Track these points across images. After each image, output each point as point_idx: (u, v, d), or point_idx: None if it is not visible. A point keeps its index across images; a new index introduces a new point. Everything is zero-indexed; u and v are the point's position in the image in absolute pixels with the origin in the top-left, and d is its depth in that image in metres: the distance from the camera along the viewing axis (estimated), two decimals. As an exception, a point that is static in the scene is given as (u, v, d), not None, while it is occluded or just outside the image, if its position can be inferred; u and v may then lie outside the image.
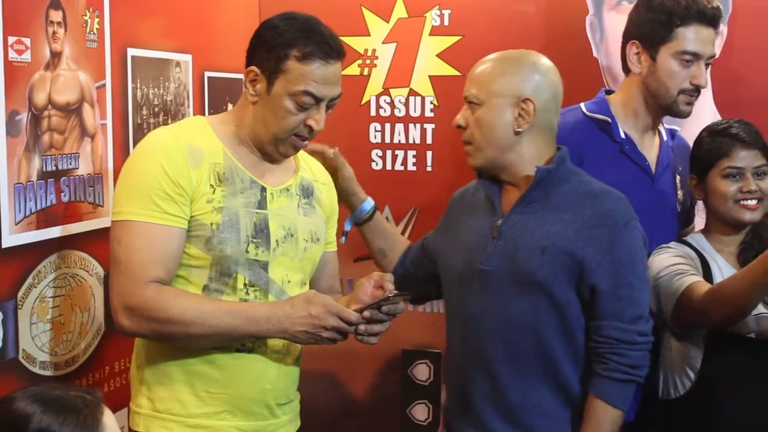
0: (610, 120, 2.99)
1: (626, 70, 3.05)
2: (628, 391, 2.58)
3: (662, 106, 2.98)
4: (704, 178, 2.93)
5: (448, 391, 2.83)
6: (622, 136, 2.99)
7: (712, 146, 2.91)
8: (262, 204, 2.52)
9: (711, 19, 2.92)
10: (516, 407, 2.60)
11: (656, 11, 2.93)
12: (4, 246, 2.50)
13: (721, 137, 2.90)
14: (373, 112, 3.91)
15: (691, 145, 3.02)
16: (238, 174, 2.50)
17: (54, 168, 2.67)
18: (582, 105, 3.08)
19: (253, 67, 2.49)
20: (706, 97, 3.46)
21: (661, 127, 3.11)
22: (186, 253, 2.46)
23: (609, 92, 3.16)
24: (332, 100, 2.52)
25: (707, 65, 2.96)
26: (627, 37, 3.02)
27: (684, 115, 2.99)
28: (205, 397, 2.50)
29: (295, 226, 2.59)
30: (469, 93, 2.67)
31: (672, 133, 3.14)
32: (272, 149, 2.55)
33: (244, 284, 2.49)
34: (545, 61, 2.70)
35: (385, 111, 3.90)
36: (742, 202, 2.86)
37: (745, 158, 2.87)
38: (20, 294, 2.57)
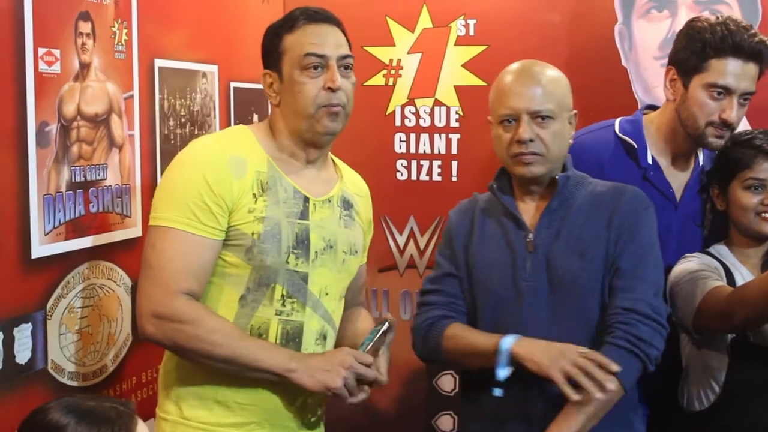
0: (636, 145, 2.97)
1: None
2: (630, 364, 2.49)
3: (691, 136, 2.93)
4: (726, 188, 2.91)
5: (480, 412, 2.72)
6: (649, 161, 2.96)
7: (735, 156, 2.89)
8: (304, 214, 2.53)
9: (749, 53, 2.82)
10: None
11: (693, 39, 2.87)
12: (33, 257, 2.51)
13: (744, 148, 2.88)
14: (398, 122, 3.91)
15: None
16: (282, 184, 2.52)
17: (83, 179, 2.67)
18: (617, 123, 3.07)
19: (265, 71, 2.58)
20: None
21: (699, 152, 3.05)
22: (224, 260, 2.48)
23: (651, 106, 3.13)
24: (343, 59, 2.54)
25: (744, 101, 2.87)
26: (669, 61, 2.97)
27: (712, 148, 2.92)
28: (234, 407, 2.50)
29: (335, 238, 2.59)
30: (543, 108, 2.61)
31: (711, 156, 3.06)
32: (312, 134, 2.55)
33: (282, 295, 2.50)
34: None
35: (410, 121, 3.90)
36: (763, 214, 2.84)
37: (767, 170, 2.85)
38: (49, 305, 2.58)
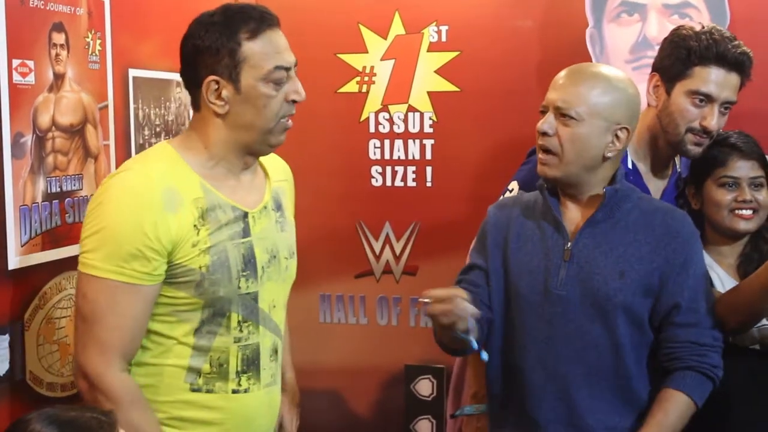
0: None
1: None
2: (706, 388, 2.60)
3: (671, 143, 2.93)
4: (701, 187, 2.93)
5: (503, 417, 2.71)
6: (629, 166, 2.98)
7: (710, 155, 2.91)
8: (246, 231, 2.41)
9: (732, 63, 2.84)
10: (592, 429, 2.58)
11: (678, 47, 2.88)
12: (10, 268, 2.50)
13: (720, 147, 2.90)
14: (372, 129, 3.91)
15: None
16: (221, 206, 2.37)
17: (59, 189, 2.66)
18: None
19: (211, 77, 2.31)
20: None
21: (677, 158, 3.06)
22: (173, 297, 2.34)
23: None
24: (295, 66, 2.40)
25: (725, 110, 2.89)
26: (652, 68, 2.99)
27: (690, 156, 2.93)
28: None
29: (276, 246, 2.50)
30: (568, 106, 2.56)
31: (688, 164, 3.06)
32: (262, 146, 2.42)
33: (238, 322, 2.41)
34: (634, 85, 2.66)
35: (384, 127, 3.90)
36: (736, 211, 2.85)
37: (741, 168, 2.86)
38: (27, 315, 2.57)
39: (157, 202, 2.27)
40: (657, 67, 2.95)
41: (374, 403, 4.03)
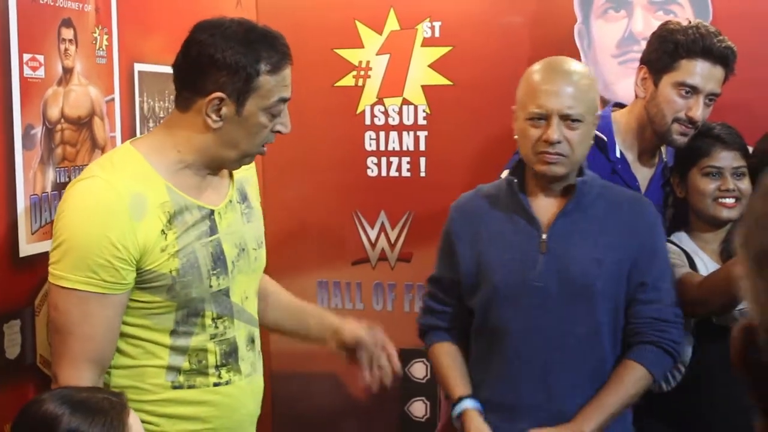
0: (606, 139, 3.02)
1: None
2: (665, 362, 2.66)
3: (657, 133, 2.98)
4: (686, 176, 2.97)
5: (483, 404, 2.71)
6: (617, 155, 3.02)
7: (695, 146, 2.95)
8: (213, 230, 2.38)
9: (718, 57, 2.90)
10: (570, 414, 2.60)
11: (666, 41, 2.93)
12: (21, 255, 2.53)
13: (704, 137, 2.94)
14: (368, 121, 3.94)
15: None
16: (188, 208, 2.33)
17: (67, 179, 2.69)
18: None
19: (218, 94, 2.24)
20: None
21: (663, 148, 3.12)
22: (146, 302, 2.31)
23: (619, 104, 3.19)
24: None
25: (709, 102, 2.94)
26: (641, 61, 3.04)
27: (676, 145, 2.98)
28: None
29: (244, 239, 2.47)
30: (574, 111, 2.57)
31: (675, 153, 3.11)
32: (235, 165, 2.41)
33: (213, 319, 2.39)
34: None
35: (379, 120, 3.93)
36: (720, 200, 2.90)
37: (724, 158, 2.91)
38: (37, 301, 2.59)
39: (123, 211, 2.23)
40: (645, 60, 2.99)
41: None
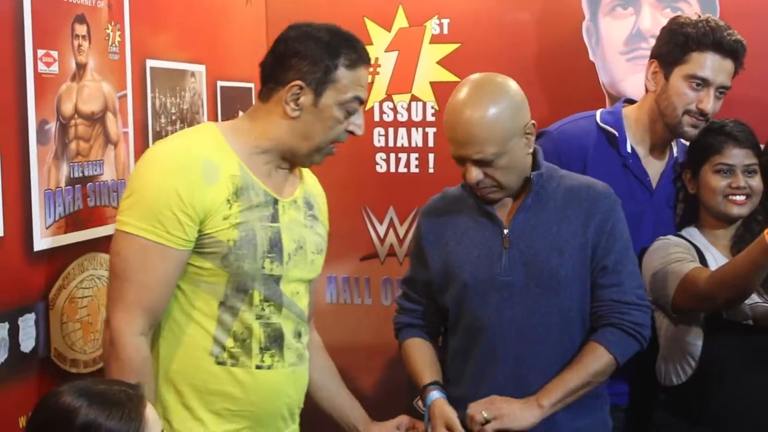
0: (617, 134, 3.02)
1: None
2: (628, 345, 2.63)
3: (668, 125, 2.98)
4: (698, 172, 2.96)
5: (457, 398, 2.72)
6: (628, 150, 3.01)
7: (707, 143, 2.94)
8: (274, 217, 2.46)
9: (728, 50, 2.90)
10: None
11: (676, 34, 2.93)
12: (36, 249, 2.52)
13: (716, 135, 2.93)
14: (376, 118, 3.93)
15: None
16: (254, 188, 2.42)
17: (81, 174, 2.68)
18: (598, 113, 3.11)
19: (298, 82, 2.39)
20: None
21: (674, 144, 3.11)
22: (200, 268, 2.39)
23: (629, 100, 3.18)
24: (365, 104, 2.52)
25: (719, 95, 2.93)
26: (651, 55, 3.03)
27: (687, 137, 2.98)
28: (226, 414, 2.45)
29: (304, 239, 2.54)
30: (484, 156, 2.53)
31: (684, 148, 3.11)
32: (305, 161, 2.51)
33: (260, 300, 2.44)
34: (504, 78, 2.64)
35: (388, 116, 3.92)
36: (730, 197, 2.89)
37: (736, 156, 2.90)
38: (51, 295, 2.59)
39: (196, 170, 2.34)
40: (655, 54, 2.99)
41: (378, 379, 4.06)
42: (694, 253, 2.88)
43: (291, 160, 2.50)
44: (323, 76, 2.40)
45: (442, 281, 2.74)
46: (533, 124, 2.63)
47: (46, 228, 2.55)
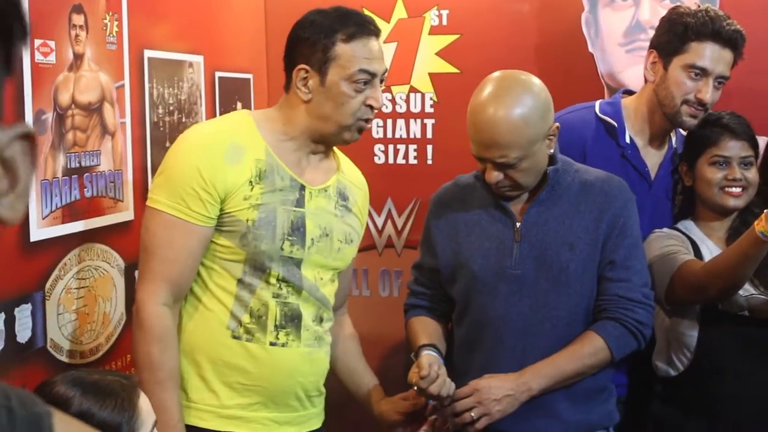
0: (616, 125, 3.02)
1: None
2: (627, 341, 2.63)
3: (667, 115, 2.98)
4: (694, 164, 2.95)
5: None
6: (627, 141, 3.01)
7: (703, 135, 2.94)
8: (300, 202, 2.51)
9: (726, 40, 2.89)
10: (547, 397, 2.62)
11: (676, 23, 2.93)
12: (32, 240, 2.51)
13: (712, 127, 2.93)
14: (375, 109, 3.92)
15: None
16: (279, 172, 2.50)
17: (78, 165, 2.67)
18: (597, 104, 3.11)
19: (302, 65, 2.48)
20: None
21: (673, 135, 3.11)
22: (219, 245, 2.49)
23: (628, 91, 3.17)
24: (382, 75, 2.52)
25: (718, 85, 2.93)
26: (650, 45, 3.03)
27: (686, 127, 2.98)
28: (239, 388, 2.50)
29: (331, 227, 2.57)
30: (507, 160, 2.53)
31: (683, 139, 3.10)
32: (335, 139, 2.55)
33: (278, 279, 2.49)
34: (533, 79, 2.63)
35: (386, 107, 3.91)
36: (726, 189, 2.89)
37: (732, 148, 2.90)
38: (48, 285, 2.58)
39: (219, 152, 2.45)
40: (654, 45, 2.99)
41: (376, 370, 4.00)
42: (689, 246, 2.87)
43: (324, 142, 2.56)
44: (323, 55, 2.47)
45: (450, 270, 2.73)
46: (557, 127, 2.62)
47: (43, 218, 2.54)
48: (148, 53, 3.04)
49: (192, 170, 2.44)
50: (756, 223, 2.47)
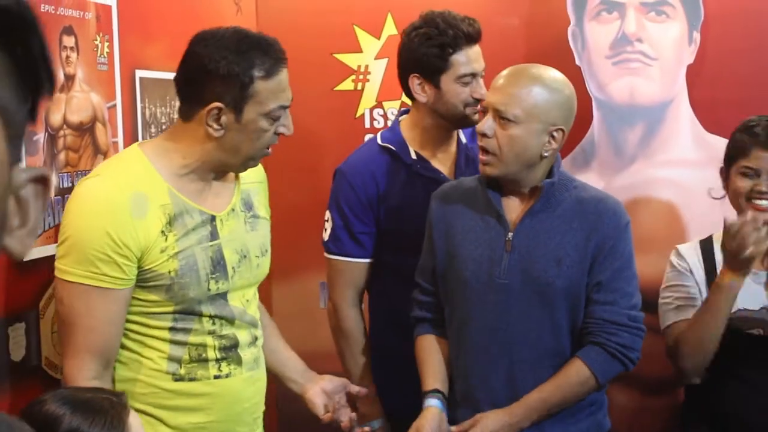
0: (395, 148, 3.03)
1: (410, 97, 3.07)
2: (612, 367, 2.61)
3: (455, 123, 3.01)
4: (729, 172, 2.88)
5: (450, 399, 2.73)
6: (413, 157, 3.02)
7: (736, 143, 2.87)
8: (214, 234, 2.42)
9: (476, 37, 2.96)
10: None
11: (429, 45, 2.94)
12: (26, 259, 2.50)
13: (745, 135, 2.84)
14: (367, 124, 3.92)
15: None
16: (188, 211, 2.36)
17: (70, 184, 2.67)
18: (379, 135, 3.14)
19: (216, 104, 2.28)
20: (683, 98, 3.53)
21: (459, 133, 3.11)
22: (145, 300, 2.36)
23: (404, 111, 3.19)
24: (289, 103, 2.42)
25: (482, 77, 2.98)
26: (405, 70, 3.02)
27: (474, 124, 2.93)
28: (189, 428, 2.44)
29: (247, 247, 2.50)
30: (506, 109, 2.55)
31: (472, 132, 3.03)
32: (241, 168, 2.46)
33: (210, 317, 2.42)
34: (570, 86, 2.66)
35: (378, 123, 3.91)
36: (753, 201, 2.78)
37: (761, 159, 2.78)
38: (41, 304, 2.58)
39: (125, 208, 2.28)
40: (414, 68, 2.98)
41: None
42: (696, 290, 2.85)
43: (225, 171, 2.46)
44: (240, 92, 2.29)
45: (442, 272, 2.72)
46: (562, 136, 2.60)
47: (36, 238, 2.54)
48: (139, 73, 3.04)
49: (100, 235, 2.26)
50: (720, 274, 2.48)
